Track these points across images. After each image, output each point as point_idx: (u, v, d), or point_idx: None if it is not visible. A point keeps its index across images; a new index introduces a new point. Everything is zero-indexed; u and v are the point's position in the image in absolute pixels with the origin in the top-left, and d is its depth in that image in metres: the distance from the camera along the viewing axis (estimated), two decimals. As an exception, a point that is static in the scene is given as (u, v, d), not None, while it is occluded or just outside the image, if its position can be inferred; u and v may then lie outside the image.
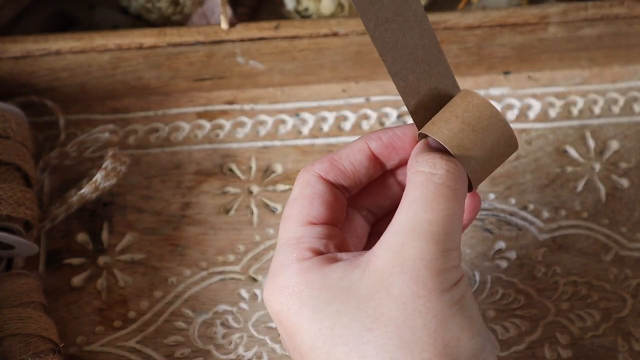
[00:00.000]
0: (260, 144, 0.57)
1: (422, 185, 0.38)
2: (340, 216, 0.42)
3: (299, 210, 0.41)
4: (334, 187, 0.41)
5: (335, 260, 0.39)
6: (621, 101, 0.59)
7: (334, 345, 0.37)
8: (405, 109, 0.58)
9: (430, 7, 0.60)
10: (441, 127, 0.39)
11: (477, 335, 0.37)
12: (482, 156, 0.39)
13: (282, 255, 0.40)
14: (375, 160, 0.42)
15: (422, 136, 0.41)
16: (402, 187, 0.43)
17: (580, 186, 0.56)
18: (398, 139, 0.42)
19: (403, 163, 0.43)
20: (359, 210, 0.44)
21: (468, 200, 0.42)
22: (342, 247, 0.41)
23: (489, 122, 0.39)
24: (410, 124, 0.42)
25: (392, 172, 0.44)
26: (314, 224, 0.40)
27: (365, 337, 0.37)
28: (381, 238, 0.38)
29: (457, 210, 0.38)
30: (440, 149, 0.39)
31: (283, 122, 0.58)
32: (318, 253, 0.39)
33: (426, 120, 0.41)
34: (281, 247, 0.40)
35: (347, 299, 0.37)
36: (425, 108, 0.41)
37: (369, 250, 0.39)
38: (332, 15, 0.58)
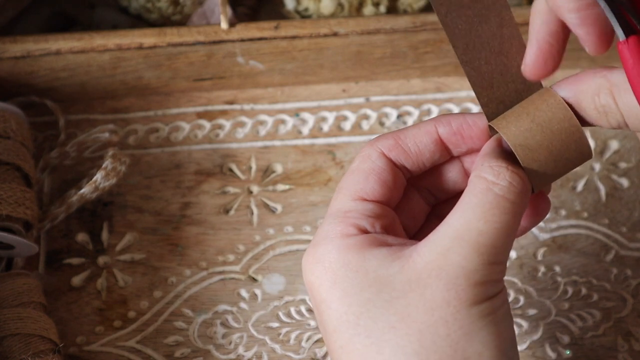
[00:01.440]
0: (260, 144, 0.57)
1: (482, 192, 0.37)
2: (395, 196, 0.40)
3: (353, 183, 0.39)
4: (395, 166, 0.40)
5: (380, 243, 0.38)
6: (621, 101, 0.59)
7: (357, 335, 0.36)
8: (405, 108, 0.58)
9: (431, 7, 0.60)
10: (510, 123, 0.38)
11: (502, 356, 0.36)
12: (546, 159, 0.37)
13: (327, 225, 0.39)
14: (441, 145, 0.41)
15: (492, 129, 0.39)
16: (468, 175, 0.41)
17: (580, 186, 0.56)
18: (468, 127, 0.40)
19: (471, 152, 0.41)
20: (419, 190, 0.43)
21: (533, 202, 0.41)
22: (391, 229, 0.39)
23: (560, 125, 0.37)
24: (481, 113, 0.40)
25: (459, 157, 0.42)
26: (366, 200, 0.39)
27: (387, 335, 0.36)
28: (429, 236, 0.37)
29: (511, 224, 0.37)
30: (510, 155, 0.38)
31: (283, 122, 0.58)
32: (363, 231, 0.38)
33: (498, 113, 0.39)
34: (328, 217, 0.39)
35: (380, 290, 0.36)
36: (498, 101, 0.39)
37: (415, 243, 0.38)
38: (332, 15, 0.58)
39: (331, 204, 0.40)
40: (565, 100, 0.38)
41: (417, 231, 0.43)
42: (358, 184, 0.39)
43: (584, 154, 0.38)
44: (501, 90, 0.39)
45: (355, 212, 0.39)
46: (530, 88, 0.39)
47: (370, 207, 0.39)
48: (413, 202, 0.42)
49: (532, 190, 0.39)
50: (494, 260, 0.36)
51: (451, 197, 0.43)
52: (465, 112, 0.41)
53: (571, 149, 0.38)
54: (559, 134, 0.37)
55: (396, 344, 0.36)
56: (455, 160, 0.42)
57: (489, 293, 0.36)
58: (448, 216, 0.37)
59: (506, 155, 0.38)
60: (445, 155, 0.41)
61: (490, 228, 0.36)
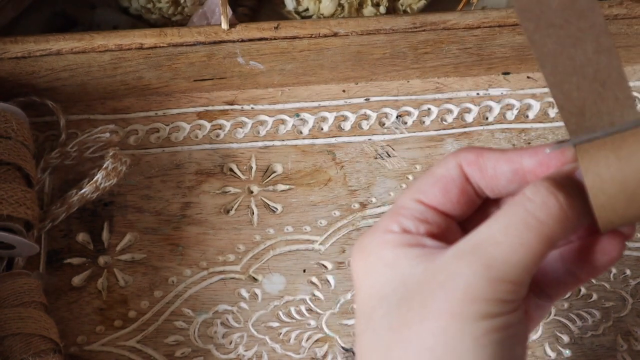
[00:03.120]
0: (260, 144, 0.57)
1: (515, 206, 0.35)
2: (460, 209, 0.39)
3: (421, 184, 0.39)
4: (467, 181, 0.39)
5: (416, 244, 0.37)
6: (620, 101, 0.59)
7: (368, 329, 0.37)
8: (404, 108, 0.59)
9: (430, 7, 0.60)
10: (590, 148, 0.35)
11: None
12: (617, 194, 0.34)
13: (382, 219, 0.39)
14: (522, 176, 0.38)
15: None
16: None
17: (579, 186, 0.56)
18: (555, 158, 0.38)
19: None
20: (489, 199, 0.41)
21: (606, 239, 0.38)
22: (439, 236, 0.38)
23: None
24: (570, 147, 0.37)
25: None
26: (423, 203, 0.39)
27: (389, 336, 0.36)
28: (457, 242, 0.36)
29: (533, 244, 0.34)
30: (573, 180, 0.36)
31: (283, 122, 0.58)
32: (405, 231, 0.38)
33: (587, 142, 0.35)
34: (388, 212, 0.39)
35: (397, 288, 0.36)
36: (589, 131, 0.36)
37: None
38: (332, 16, 0.58)
39: (396, 199, 0.40)
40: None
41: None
42: (424, 186, 0.39)
43: None
44: (593, 121, 0.35)
45: (407, 210, 0.39)
46: (626, 127, 0.35)
47: (422, 209, 0.39)
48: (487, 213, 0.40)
49: (599, 229, 0.36)
50: (503, 277, 0.34)
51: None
52: (556, 144, 0.38)
53: None
54: (637, 171, 0.34)
55: (403, 347, 0.35)
56: None
57: (490, 311, 0.34)
58: (481, 225, 0.36)
59: (572, 183, 0.36)
60: (524, 185, 0.38)
61: (508, 242, 0.34)
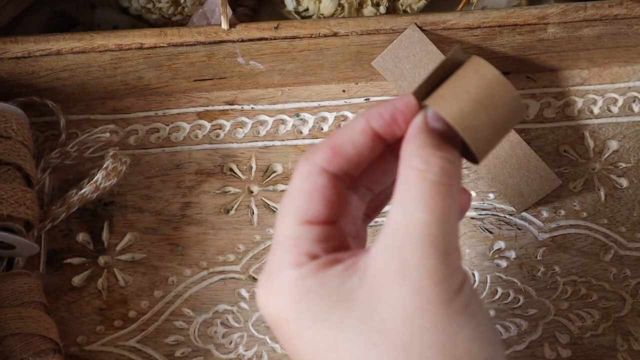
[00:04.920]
0: (260, 144, 0.57)
1: (417, 182, 0.36)
2: (340, 210, 0.39)
3: (297, 206, 0.38)
4: (337, 180, 0.39)
5: (332, 262, 0.36)
6: (620, 101, 0.59)
7: (339, 359, 0.35)
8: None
9: (430, 7, 0.60)
10: (451, 104, 0.37)
11: (490, 345, 0.35)
12: (491, 134, 0.37)
13: (277, 255, 0.37)
14: (378, 139, 0.39)
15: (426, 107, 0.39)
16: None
17: (579, 186, 0.56)
18: (401, 114, 0.39)
19: (402, 137, 0.39)
20: (355, 190, 0.41)
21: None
22: (341, 247, 0.38)
23: (503, 101, 0.37)
24: (409, 94, 0.39)
25: (389, 145, 0.41)
26: (312, 223, 0.38)
27: (371, 354, 0.35)
28: (377, 238, 0.36)
29: (453, 208, 0.36)
30: (436, 132, 0.37)
31: (283, 122, 0.58)
32: (314, 257, 0.37)
33: None
34: (277, 245, 0.38)
35: (349, 308, 0.35)
36: (529, 204, 0.48)
37: (366, 251, 0.37)
38: (332, 16, 0.58)
39: (277, 229, 0.38)
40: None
41: (356, 234, 0.41)
42: (302, 206, 0.38)
43: (520, 117, 0.38)
44: (531, 197, 0.48)
45: (304, 238, 0.37)
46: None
47: (318, 231, 0.37)
48: (353, 205, 0.40)
49: (475, 161, 0.39)
50: (449, 249, 0.35)
51: (385, 188, 0.42)
52: (391, 98, 0.39)
53: (511, 118, 0.37)
54: (502, 108, 0.37)
55: None
56: (386, 148, 0.41)
57: (456, 284, 0.35)
58: (389, 212, 0.36)
59: (434, 132, 0.37)
60: (382, 147, 0.40)
61: (436, 216, 0.35)
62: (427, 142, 0.37)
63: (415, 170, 0.36)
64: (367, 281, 0.35)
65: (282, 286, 0.36)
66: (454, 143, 0.37)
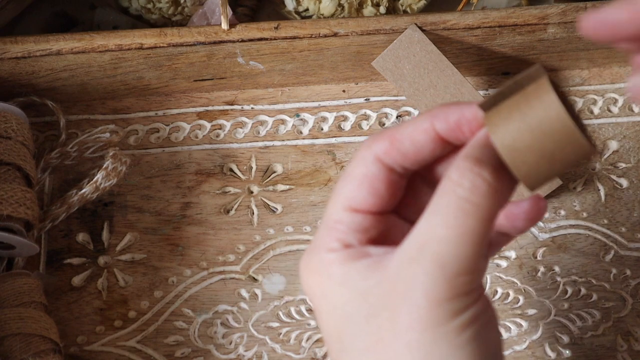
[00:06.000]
0: (260, 144, 0.57)
1: (446, 195, 0.34)
2: (390, 201, 0.38)
3: (346, 191, 0.37)
4: (391, 172, 0.38)
5: (361, 255, 0.36)
6: (620, 101, 0.59)
7: (342, 351, 0.36)
8: (404, 108, 0.59)
9: (430, 7, 0.60)
10: (500, 121, 0.35)
11: None
12: (538, 161, 0.34)
13: (319, 235, 0.38)
14: (440, 141, 0.37)
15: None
16: None
17: (579, 186, 0.56)
18: (467, 121, 0.37)
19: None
20: (426, 179, 0.40)
21: (527, 205, 0.39)
22: (380, 239, 0.38)
23: (552, 127, 0.34)
24: (476, 104, 0.37)
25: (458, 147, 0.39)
26: (356, 211, 0.37)
27: (364, 357, 0.35)
28: (402, 243, 0.35)
29: (476, 229, 0.34)
30: (492, 151, 0.35)
31: (283, 122, 0.58)
32: (348, 246, 0.37)
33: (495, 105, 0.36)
34: (322, 225, 0.38)
35: (360, 305, 0.35)
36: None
37: (393, 251, 0.36)
38: (332, 16, 0.58)
39: (327, 208, 0.38)
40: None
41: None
42: (350, 191, 0.37)
43: (583, 153, 0.35)
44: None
45: (344, 223, 0.37)
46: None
47: (359, 219, 0.37)
48: (421, 194, 0.40)
49: (531, 190, 0.36)
50: (459, 271, 0.33)
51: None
52: (462, 103, 0.37)
53: (566, 150, 0.34)
54: (551, 135, 0.34)
55: None
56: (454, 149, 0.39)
57: (456, 308, 0.33)
58: (420, 218, 0.35)
59: (489, 148, 0.35)
60: (447, 148, 0.38)
61: (452, 234, 0.33)
62: (471, 155, 0.35)
63: (449, 181, 0.35)
64: (383, 283, 0.35)
65: (315, 266, 0.37)
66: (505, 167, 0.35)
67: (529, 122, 0.34)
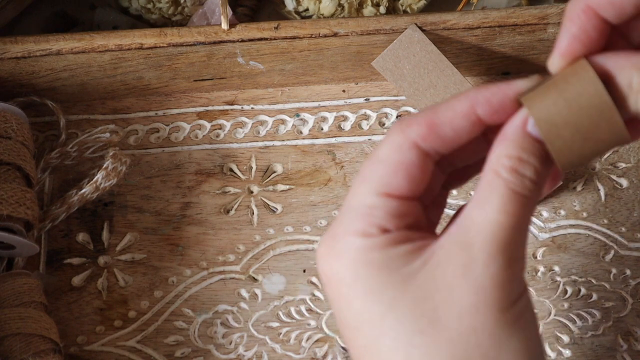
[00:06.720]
0: (260, 144, 0.57)
1: (499, 188, 0.35)
2: (423, 188, 0.37)
3: (380, 176, 0.37)
4: (426, 157, 0.37)
5: (402, 240, 0.36)
6: (620, 101, 0.59)
7: (381, 336, 0.35)
8: (404, 108, 0.59)
9: (430, 7, 0.60)
10: (536, 96, 0.35)
11: None
12: (573, 136, 0.34)
13: (347, 219, 0.37)
14: (479, 124, 0.37)
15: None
16: (489, 143, 0.38)
17: (579, 186, 0.56)
18: (510, 103, 0.36)
19: (501, 124, 0.37)
20: (439, 162, 0.39)
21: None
22: (415, 225, 0.37)
23: (590, 101, 0.34)
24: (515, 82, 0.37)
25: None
26: (392, 196, 0.36)
27: (415, 339, 0.34)
28: (449, 228, 0.36)
29: (527, 218, 0.35)
30: (531, 139, 0.35)
31: (283, 122, 0.58)
32: (385, 231, 0.36)
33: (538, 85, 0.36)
34: (349, 209, 0.37)
35: (405, 289, 0.35)
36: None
37: (436, 236, 0.36)
38: (332, 16, 0.58)
39: (353, 192, 0.37)
40: (600, 75, 0.34)
41: (431, 203, 0.40)
42: (385, 177, 0.36)
43: (618, 135, 0.34)
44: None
45: (380, 209, 0.36)
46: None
47: (396, 205, 0.36)
48: (434, 177, 0.39)
49: (561, 169, 0.36)
50: (516, 256, 0.35)
51: (468, 165, 0.41)
52: (497, 84, 0.37)
53: (602, 128, 0.34)
54: (588, 110, 0.34)
55: (425, 351, 0.34)
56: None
57: (515, 294, 0.35)
58: (467, 208, 0.36)
59: (529, 138, 0.36)
60: (481, 131, 0.38)
61: (511, 222, 0.34)
62: (517, 150, 0.36)
63: (499, 177, 0.35)
64: (429, 267, 0.35)
65: (345, 250, 0.36)
66: (545, 152, 0.36)
67: (566, 96, 0.34)
